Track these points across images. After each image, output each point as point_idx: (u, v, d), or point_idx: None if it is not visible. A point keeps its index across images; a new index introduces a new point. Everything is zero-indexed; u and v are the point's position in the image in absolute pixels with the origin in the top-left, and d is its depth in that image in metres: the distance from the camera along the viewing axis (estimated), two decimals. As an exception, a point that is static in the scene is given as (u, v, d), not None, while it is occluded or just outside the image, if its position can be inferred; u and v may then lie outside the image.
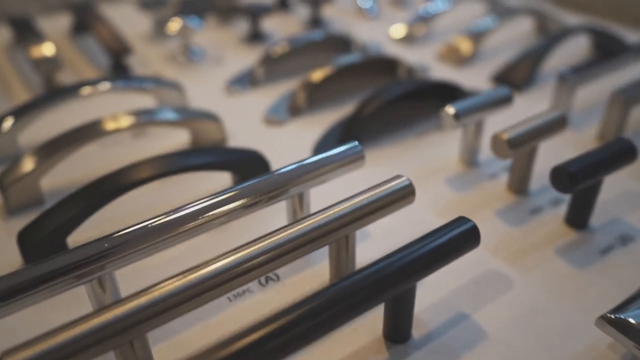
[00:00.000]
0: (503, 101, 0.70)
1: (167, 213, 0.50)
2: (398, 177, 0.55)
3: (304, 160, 0.57)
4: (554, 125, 0.65)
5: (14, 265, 0.58)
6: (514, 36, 1.11)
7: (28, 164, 0.64)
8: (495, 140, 0.63)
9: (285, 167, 0.56)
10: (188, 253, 0.59)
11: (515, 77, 0.93)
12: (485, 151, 0.75)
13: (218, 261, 0.45)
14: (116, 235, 0.48)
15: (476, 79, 0.95)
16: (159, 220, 0.50)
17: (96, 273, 0.47)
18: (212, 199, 0.52)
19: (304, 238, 0.49)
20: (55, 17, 1.17)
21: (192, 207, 0.51)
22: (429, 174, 0.72)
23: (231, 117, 0.81)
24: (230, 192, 0.53)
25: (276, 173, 0.56)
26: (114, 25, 0.98)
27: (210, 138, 0.75)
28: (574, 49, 1.04)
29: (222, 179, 0.69)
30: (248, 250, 0.46)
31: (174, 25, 0.97)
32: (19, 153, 0.74)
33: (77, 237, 0.58)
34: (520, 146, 0.63)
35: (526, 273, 0.58)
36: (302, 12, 1.22)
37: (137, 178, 0.58)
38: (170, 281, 0.43)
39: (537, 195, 0.68)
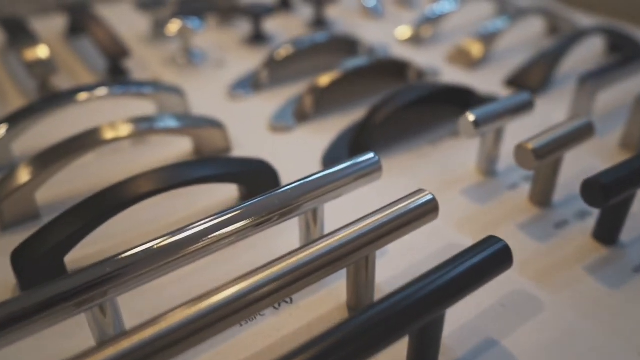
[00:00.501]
0: (524, 107, 0.67)
1: (173, 233, 0.47)
2: (420, 191, 0.51)
3: (318, 173, 0.54)
4: (581, 133, 0.62)
5: (7, 286, 0.54)
6: (524, 37, 1.07)
7: (23, 176, 0.61)
8: (520, 150, 0.59)
9: (297, 181, 0.53)
10: (192, 272, 0.55)
11: (530, 81, 0.89)
12: (503, 160, 0.71)
13: (229, 288, 0.41)
14: (119, 257, 0.44)
15: (489, 82, 0.91)
16: (165, 240, 0.46)
17: (98, 300, 0.43)
18: (220, 216, 0.49)
19: (322, 260, 0.45)
20: (49, 18, 1.13)
21: (199, 226, 0.48)
22: (445, 184, 0.68)
23: (235, 124, 0.78)
24: (240, 209, 0.49)
25: (289, 188, 0.52)
26: (110, 26, 0.94)
27: (214, 146, 0.71)
28: (587, 51, 1.01)
29: (228, 190, 0.65)
30: (262, 275, 0.43)
31: (174, 26, 0.94)
32: (13, 163, 0.70)
33: (75, 255, 0.55)
34: (546, 156, 0.59)
35: (556, 293, 0.54)
36: (304, 12, 1.18)
37: (139, 192, 0.55)
38: (177, 311, 0.39)
39: (561, 208, 0.65)
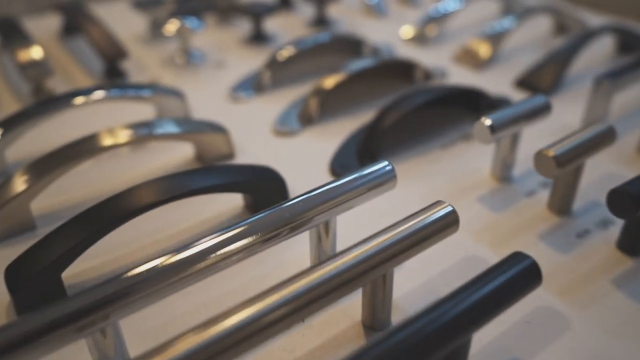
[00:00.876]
0: (541, 111, 0.64)
1: (179, 250, 0.44)
2: (439, 203, 0.48)
3: (329, 184, 0.51)
4: (602, 139, 0.59)
5: (1, 303, 0.51)
6: (532, 36, 1.04)
7: (17, 185, 0.57)
8: (540, 157, 0.56)
9: (308, 192, 0.50)
10: (199, 287, 0.51)
11: (541, 82, 0.87)
12: (518, 164, 0.68)
13: (238, 312, 0.38)
14: (122, 278, 0.41)
15: (498, 83, 0.88)
16: (170, 259, 0.43)
17: (99, 324, 0.40)
18: (228, 231, 0.45)
19: (338, 280, 0.42)
20: (43, 17, 1.10)
21: (206, 242, 0.44)
22: (460, 191, 0.66)
23: (237, 127, 0.75)
24: (249, 223, 0.46)
25: (299, 200, 0.49)
26: (107, 26, 0.91)
27: (217, 152, 0.68)
28: (596, 51, 0.97)
29: (233, 198, 0.62)
30: (274, 298, 0.39)
31: (172, 26, 0.90)
32: (7, 171, 0.67)
33: (72, 269, 0.52)
34: (568, 164, 0.56)
35: (583, 309, 0.51)
36: (306, 11, 1.15)
37: (141, 204, 0.51)
38: (185, 337, 0.36)
39: (581, 216, 0.62)
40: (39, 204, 0.60)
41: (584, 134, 0.58)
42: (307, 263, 0.55)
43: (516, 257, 0.44)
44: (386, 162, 0.53)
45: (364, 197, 0.51)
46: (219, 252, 0.44)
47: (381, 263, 0.44)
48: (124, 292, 0.40)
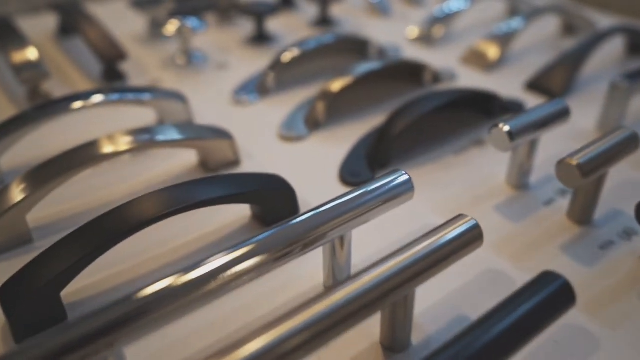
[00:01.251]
0: (560, 117, 0.61)
1: (187, 269, 0.40)
2: (461, 217, 0.45)
3: (344, 196, 0.48)
4: (626, 145, 0.56)
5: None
6: (540, 37, 1.01)
7: (13, 196, 0.54)
8: (563, 167, 0.53)
9: (322, 205, 0.47)
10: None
11: (553, 85, 0.84)
12: (534, 171, 0.65)
13: (254, 340, 0.35)
14: (126, 301, 0.38)
15: (508, 86, 0.85)
16: (179, 279, 0.39)
17: (103, 352, 0.37)
18: (239, 249, 0.42)
19: (358, 303, 0.39)
20: (38, 17, 1.06)
21: (216, 261, 0.41)
22: (475, 200, 0.63)
23: (242, 132, 0.72)
24: (261, 240, 0.43)
25: (314, 214, 0.46)
26: (105, 26, 0.88)
27: (222, 158, 0.65)
28: (605, 52, 0.94)
29: (240, 207, 0.59)
30: (290, 325, 0.36)
31: (172, 26, 0.87)
32: (2, 179, 0.64)
33: (71, 286, 0.48)
34: (592, 173, 0.53)
35: (612, 328, 0.49)
36: (309, 11, 1.11)
37: (145, 217, 0.48)
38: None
39: (603, 226, 0.59)
40: (35, 215, 0.57)
41: (607, 141, 0.55)
42: (320, 277, 0.52)
43: (547, 276, 0.41)
44: (402, 172, 0.50)
45: (381, 209, 0.48)
46: (231, 272, 0.41)
47: (404, 283, 0.41)
48: (129, 316, 0.37)
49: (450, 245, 0.43)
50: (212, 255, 0.42)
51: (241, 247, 0.42)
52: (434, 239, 0.43)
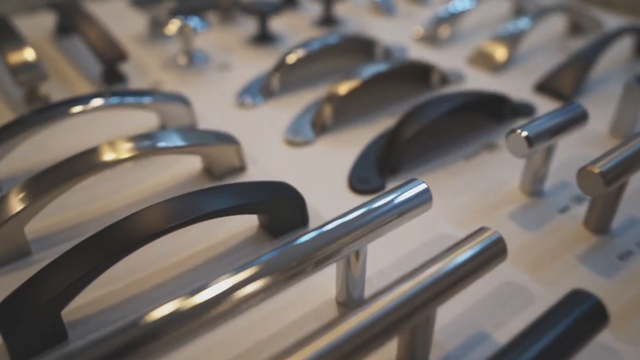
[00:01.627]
0: (578, 121, 0.59)
1: (195, 291, 0.38)
2: (483, 230, 0.43)
3: (360, 208, 0.45)
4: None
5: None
6: (547, 37, 0.99)
7: (12, 205, 0.51)
8: (585, 174, 0.51)
9: (337, 219, 0.44)
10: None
11: (562, 86, 0.81)
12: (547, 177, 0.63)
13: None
14: (133, 327, 0.35)
15: (517, 88, 0.82)
16: (185, 303, 0.37)
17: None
18: (248, 268, 0.40)
19: (376, 328, 0.36)
20: (36, 16, 1.03)
21: (224, 282, 0.39)
22: (489, 208, 0.60)
23: (246, 136, 0.69)
24: (272, 257, 0.41)
25: (329, 228, 0.43)
26: (104, 25, 0.85)
27: (227, 165, 0.63)
28: (613, 52, 0.91)
29: (247, 216, 0.57)
30: (305, 354, 0.33)
31: (173, 26, 0.84)
32: (-1, 187, 0.61)
33: (72, 303, 0.45)
34: (615, 181, 0.51)
35: (635, 343, 0.46)
36: (312, 9, 1.08)
37: (151, 230, 0.46)
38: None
39: (620, 235, 0.57)
40: (33, 226, 0.54)
41: (629, 148, 0.53)
42: (332, 291, 0.49)
43: (577, 295, 0.39)
44: (420, 182, 0.47)
45: (399, 221, 0.46)
46: (243, 293, 0.38)
47: (426, 303, 0.38)
48: (135, 343, 0.35)
49: (474, 260, 0.41)
50: (221, 275, 0.39)
51: (251, 266, 0.40)
52: (456, 254, 0.41)
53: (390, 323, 0.37)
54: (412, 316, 0.38)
